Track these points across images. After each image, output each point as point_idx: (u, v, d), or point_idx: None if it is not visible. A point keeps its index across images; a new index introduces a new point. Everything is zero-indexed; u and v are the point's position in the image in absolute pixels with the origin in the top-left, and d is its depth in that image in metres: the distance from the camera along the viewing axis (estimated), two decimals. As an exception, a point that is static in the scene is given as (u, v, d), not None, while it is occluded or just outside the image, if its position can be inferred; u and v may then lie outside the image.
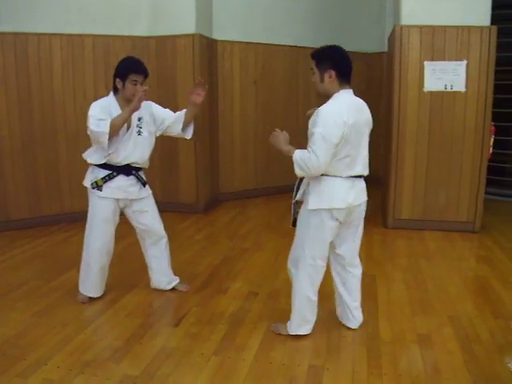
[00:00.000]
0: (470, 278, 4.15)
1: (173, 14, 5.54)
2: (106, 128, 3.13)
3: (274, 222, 4.18)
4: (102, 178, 3.30)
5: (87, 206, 5.50)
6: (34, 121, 5.15)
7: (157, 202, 5.88)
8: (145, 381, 2.56)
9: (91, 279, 3.46)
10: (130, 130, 3.30)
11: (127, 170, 3.35)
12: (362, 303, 3.17)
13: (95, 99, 5.29)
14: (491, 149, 5.07)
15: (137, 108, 3.16)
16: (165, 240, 3.64)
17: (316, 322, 3.07)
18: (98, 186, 3.30)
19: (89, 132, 3.24)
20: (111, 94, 3.34)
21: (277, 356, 2.80)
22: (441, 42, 4.87)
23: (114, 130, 3.16)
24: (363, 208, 3.01)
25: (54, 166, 5.33)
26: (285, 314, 3.31)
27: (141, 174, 3.47)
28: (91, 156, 3.35)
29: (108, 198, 3.34)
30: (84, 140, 5.42)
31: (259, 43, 6.45)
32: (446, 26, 4.84)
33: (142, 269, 4.06)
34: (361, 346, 2.93)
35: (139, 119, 3.33)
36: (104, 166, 3.31)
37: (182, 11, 5.49)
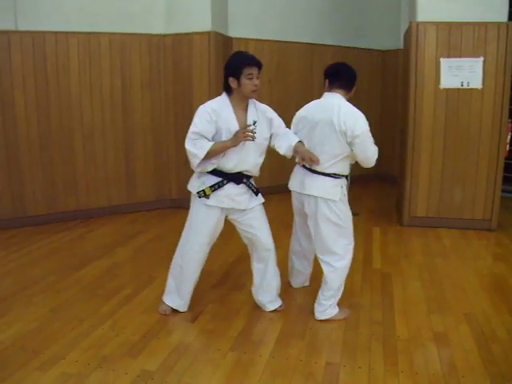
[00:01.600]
0: (486, 276, 4.12)
1: (188, 12, 5.56)
2: (201, 153, 2.90)
3: (289, 218, 4.15)
4: (211, 187, 3.01)
5: (102, 201, 5.65)
6: (52, 119, 5.20)
7: (172, 200, 5.98)
8: (162, 376, 2.58)
9: (183, 291, 3.23)
10: None
11: (238, 177, 3.05)
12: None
13: (111, 98, 5.47)
14: (508, 146, 5.02)
15: (236, 145, 2.94)
16: (271, 254, 3.26)
17: (333, 320, 3.11)
18: (205, 194, 3.02)
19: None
20: (224, 94, 3.06)
21: (293, 352, 2.81)
22: (457, 38, 4.83)
23: (210, 157, 2.95)
24: (313, 202, 3.14)
25: (70, 163, 5.38)
26: (301, 310, 3.34)
27: (252, 181, 3.17)
28: (199, 165, 3.01)
29: (214, 207, 3.07)
30: (100, 138, 5.53)
31: (274, 41, 6.45)
32: (462, 23, 4.80)
33: (159, 264, 4.11)
34: (377, 343, 2.92)
35: (254, 123, 2.95)
36: (213, 172, 3.03)
37: (198, 8, 5.50)
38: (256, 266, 3.30)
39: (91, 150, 5.48)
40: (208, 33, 5.51)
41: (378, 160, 3.19)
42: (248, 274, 3.51)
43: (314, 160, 3.05)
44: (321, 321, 3.17)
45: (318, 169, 3.10)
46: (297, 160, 3.25)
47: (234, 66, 2.96)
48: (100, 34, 5.33)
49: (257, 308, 3.36)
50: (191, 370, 2.64)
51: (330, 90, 3.20)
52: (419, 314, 3.30)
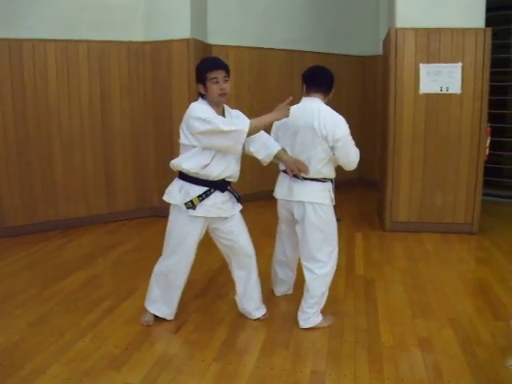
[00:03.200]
0: (469, 280, 4.14)
1: (167, 19, 5.52)
2: (245, 126, 2.79)
3: (271, 227, 4.13)
4: (199, 197, 2.92)
5: (82, 211, 5.57)
6: (29, 127, 5.12)
7: (153, 208, 5.92)
8: (145, 389, 2.54)
9: (171, 300, 3.18)
10: None
11: (223, 185, 3.00)
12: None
13: (90, 105, 5.41)
14: (487, 150, 5.07)
15: (279, 118, 2.97)
16: (253, 260, 3.22)
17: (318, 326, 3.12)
18: (193, 205, 2.93)
19: (203, 134, 2.84)
20: (200, 99, 2.99)
21: (278, 361, 2.77)
22: (436, 44, 4.88)
23: (252, 134, 2.88)
24: (302, 208, 3.12)
25: (49, 172, 5.29)
26: (285, 319, 3.31)
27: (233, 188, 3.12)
28: (187, 164, 2.93)
29: (199, 217, 2.99)
30: (78, 146, 5.45)
31: (254, 47, 6.44)
32: (440, 29, 4.84)
33: (140, 275, 4.05)
34: (362, 350, 2.91)
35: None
36: (196, 181, 2.95)
37: (177, 16, 5.47)
38: (238, 274, 3.25)
39: (70, 159, 5.40)
40: (187, 40, 5.48)
41: (358, 165, 3.20)
42: (231, 283, 3.47)
43: (302, 170, 3.05)
44: (305, 329, 3.14)
45: (304, 175, 3.09)
46: (281, 167, 3.24)
47: (199, 72, 2.94)
48: (78, 41, 5.26)
49: (240, 317, 3.32)
50: (175, 382, 2.60)
51: (307, 94, 3.19)
52: (403, 319, 3.30)
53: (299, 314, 3.18)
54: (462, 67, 4.86)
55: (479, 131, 4.96)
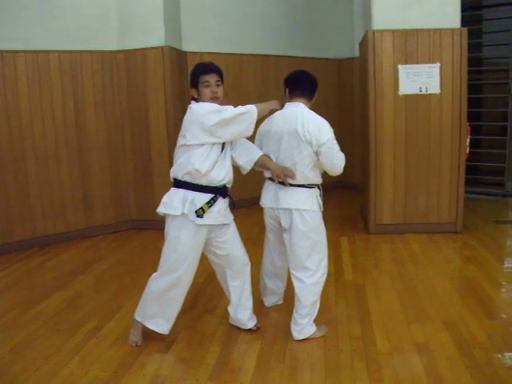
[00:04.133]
0: (459, 280, 4.12)
1: (141, 27, 5.41)
2: (252, 107, 2.80)
3: (256, 234, 4.07)
4: (208, 203, 2.86)
5: (59, 227, 5.40)
6: (2, 142, 4.93)
7: (132, 221, 5.78)
8: (138, 414, 2.42)
9: (172, 314, 3.04)
10: (225, 145, 2.94)
11: (225, 190, 2.96)
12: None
13: (64, 118, 5.25)
14: (468, 149, 5.08)
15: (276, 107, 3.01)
16: (248, 268, 3.18)
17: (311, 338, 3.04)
18: (203, 213, 2.84)
19: (219, 125, 2.77)
20: (193, 102, 2.97)
21: (275, 376, 2.68)
22: (413, 45, 4.87)
23: (260, 116, 2.86)
24: (289, 215, 3.07)
25: (24, 188, 5.11)
26: (278, 330, 3.22)
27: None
28: (201, 164, 2.82)
29: (205, 226, 2.91)
30: (53, 160, 5.28)
31: (229, 53, 6.36)
32: (417, 29, 4.84)
33: (124, 292, 3.93)
34: (359, 359, 2.83)
35: None
36: (200, 188, 2.87)
37: (151, 24, 5.36)
38: (233, 284, 3.16)
39: (45, 174, 5.23)
40: (162, 48, 5.38)
41: None
42: (218, 295, 3.39)
43: (289, 175, 2.98)
44: (299, 341, 3.05)
45: (290, 181, 3.01)
46: (266, 175, 3.17)
47: (192, 76, 2.95)
48: (49, 52, 5.11)
49: (231, 330, 3.23)
50: (169, 404, 2.48)
51: (290, 99, 3.14)
52: (398, 324, 3.24)
53: (292, 325, 3.10)
54: (440, 67, 4.86)
55: (459, 130, 4.96)
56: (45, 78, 5.12)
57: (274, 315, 3.46)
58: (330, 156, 2.99)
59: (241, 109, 2.82)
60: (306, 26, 7.29)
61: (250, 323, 3.21)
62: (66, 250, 5.11)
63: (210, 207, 2.86)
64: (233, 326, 3.27)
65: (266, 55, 6.76)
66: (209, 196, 2.87)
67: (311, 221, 3.04)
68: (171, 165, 5.53)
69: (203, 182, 2.86)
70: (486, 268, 4.21)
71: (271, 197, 3.14)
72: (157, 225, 5.69)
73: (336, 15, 7.52)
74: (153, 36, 5.35)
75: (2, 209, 4.99)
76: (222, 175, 2.90)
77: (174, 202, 2.89)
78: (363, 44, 5.38)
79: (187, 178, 2.87)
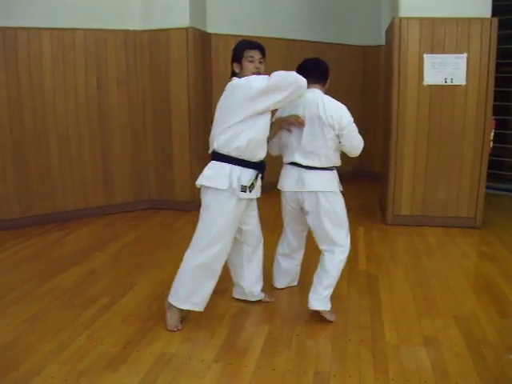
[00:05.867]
0: (474, 276, 4.07)
1: (166, 7, 5.40)
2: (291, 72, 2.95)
3: (272, 218, 4.06)
4: (256, 179, 2.99)
5: (79, 203, 5.47)
6: (25, 118, 5.00)
7: (151, 201, 5.83)
8: (143, 390, 2.46)
9: (207, 290, 3.07)
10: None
11: (263, 165, 3.08)
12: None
13: (86, 95, 5.29)
14: (492, 143, 4.98)
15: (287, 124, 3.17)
16: (262, 243, 3.34)
17: (320, 324, 3.04)
18: (253, 187, 2.97)
19: (269, 89, 2.84)
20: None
21: (280, 362, 2.70)
22: (440, 34, 4.76)
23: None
24: (315, 198, 3.16)
25: (45, 164, 5.18)
26: (286, 315, 3.24)
27: None
28: (249, 134, 2.90)
29: (245, 200, 3.01)
30: (75, 137, 5.34)
31: (254, 36, 6.27)
32: (445, 18, 4.73)
33: (138, 269, 3.99)
34: (366, 349, 2.83)
35: None
36: (245, 163, 2.95)
37: (176, 4, 5.34)
38: (245, 260, 3.29)
39: (67, 150, 5.29)
40: (186, 29, 5.37)
41: (359, 156, 3.31)
42: (229, 278, 3.40)
43: (300, 121, 3.11)
44: (307, 327, 3.07)
45: (315, 165, 3.14)
46: (285, 161, 3.25)
47: (236, 51, 3.03)
48: (74, 29, 5.14)
49: (240, 314, 3.26)
50: (174, 383, 2.51)
51: (309, 85, 3.15)
52: (408, 317, 3.22)
53: (311, 294, 3.15)
54: (467, 58, 4.75)
55: (484, 123, 4.86)
56: (69, 55, 5.16)
57: (284, 300, 3.48)
58: (351, 138, 3.14)
59: (281, 72, 2.90)
60: (332, 11, 7.20)
61: (262, 296, 3.39)
62: (85, 227, 5.18)
63: (256, 182, 3.00)
64: (242, 309, 3.31)
65: (290, 40, 6.70)
66: (254, 171, 2.98)
67: (335, 200, 3.18)
68: (191, 146, 5.66)
69: (248, 157, 2.95)
70: (503, 265, 4.15)
71: (294, 181, 3.21)
72: (175, 205, 5.78)
73: (363, 1, 7.39)
74: (177, 17, 5.34)
75: (22, 183, 5.08)
76: (263, 151, 3.04)
77: (219, 176, 2.94)
78: (389, 31, 5.29)
79: (233, 153, 2.92)
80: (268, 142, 3.14)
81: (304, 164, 3.15)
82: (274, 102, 2.90)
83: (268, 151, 3.23)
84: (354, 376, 2.58)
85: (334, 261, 3.17)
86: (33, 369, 2.61)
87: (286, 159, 3.27)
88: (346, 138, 3.12)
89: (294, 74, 2.92)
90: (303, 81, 2.91)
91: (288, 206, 3.34)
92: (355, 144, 3.18)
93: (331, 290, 3.16)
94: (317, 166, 3.15)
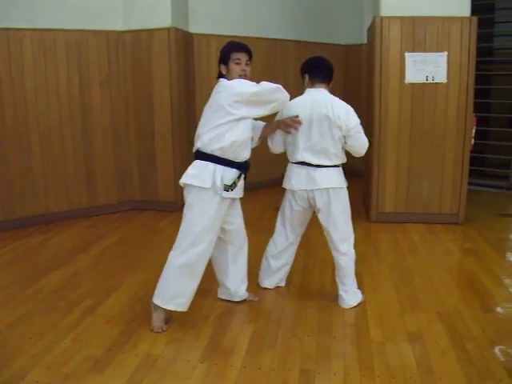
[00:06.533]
0: (457, 272, 4.11)
1: (148, 8, 5.38)
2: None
3: (255, 217, 4.08)
4: (238, 178, 2.98)
5: (62, 205, 5.42)
6: (6, 119, 4.95)
7: (134, 201, 5.80)
8: (129, 392, 2.44)
9: (190, 290, 3.04)
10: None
11: (248, 166, 3.09)
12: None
13: (69, 96, 5.25)
14: (473, 140, 5.03)
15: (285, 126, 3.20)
16: (247, 244, 3.35)
17: (306, 322, 3.03)
18: (235, 186, 2.97)
19: (257, 94, 2.89)
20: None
21: (266, 361, 2.70)
22: (421, 33, 4.81)
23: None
24: (326, 195, 3.23)
25: (27, 165, 5.13)
26: (271, 315, 3.24)
27: None
28: (233, 136, 2.92)
29: (228, 199, 3.03)
30: (57, 139, 5.29)
31: (236, 36, 6.29)
32: (426, 17, 4.78)
33: (122, 271, 3.96)
34: (352, 347, 2.85)
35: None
36: (228, 162, 2.96)
37: (158, 4, 5.33)
38: (230, 260, 3.28)
39: (49, 152, 5.24)
40: (168, 29, 5.35)
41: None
42: (213, 278, 3.39)
43: (296, 120, 3.15)
44: (292, 326, 3.08)
45: (325, 163, 3.19)
46: (293, 160, 3.28)
47: (223, 53, 3.04)
48: (55, 30, 5.09)
49: (225, 313, 3.26)
50: (160, 384, 2.51)
51: (312, 85, 3.26)
52: (392, 314, 3.25)
53: (343, 295, 3.30)
54: (448, 56, 4.81)
55: (465, 121, 4.92)
56: (50, 56, 5.11)
57: (270, 299, 3.48)
58: (358, 138, 3.21)
59: (274, 85, 2.96)
60: (314, 10, 7.22)
61: (247, 295, 3.40)
62: (68, 229, 5.14)
63: (239, 182, 3.00)
64: (226, 309, 3.31)
65: (273, 39, 6.72)
66: (237, 171, 2.99)
67: (343, 196, 3.28)
68: (174, 146, 5.63)
69: (231, 157, 2.95)
70: (486, 261, 4.20)
71: (303, 179, 3.24)
72: (158, 205, 5.76)
73: (346, 0, 7.43)
74: (159, 17, 5.32)
75: (4, 186, 5.02)
76: (247, 152, 3.05)
77: (203, 175, 2.94)
78: (371, 30, 5.33)
79: (217, 153, 2.93)
80: (260, 142, 3.22)
81: (314, 163, 3.19)
82: (255, 115, 3.00)
83: (270, 148, 3.34)
84: (339, 373, 2.59)
85: (350, 261, 3.29)
86: (17, 373, 2.58)
87: (294, 158, 3.28)
88: (353, 138, 3.19)
89: (280, 88, 2.96)
90: (287, 97, 3.01)
91: (296, 206, 3.35)
92: (362, 144, 3.25)
93: (355, 283, 3.34)
94: (327, 164, 3.20)
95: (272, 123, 3.27)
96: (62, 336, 2.96)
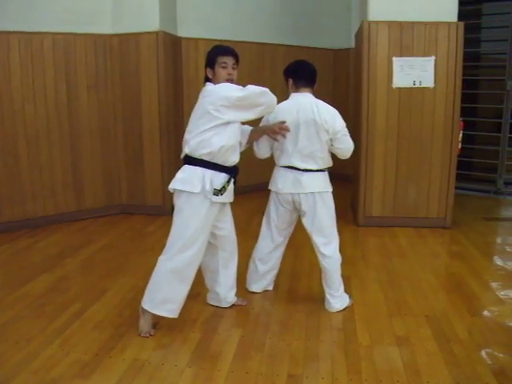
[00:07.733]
0: (444, 276, 4.14)
1: (136, 11, 5.37)
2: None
3: (244, 221, 4.07)
4: (227, 182, 2.96)
5: (49, 210, 5.38)
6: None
7: (122, 205, 5.78)
8: (116, 398, 2.43)
9: (181, 295, 3.02)
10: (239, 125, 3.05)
11: (236, 170, 3.07)
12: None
13: (56, 100, 5.22)
14: (460, 144, 5.07)
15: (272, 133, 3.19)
16: (236, 248, 3.33)
17: (293, 327, 3.03)
18: (224, 191, 2.94)
19: (243, 99, 2.87)
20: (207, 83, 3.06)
21: (253, 365, 2.69)
22: (409, 37, 4.85)
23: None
24: (312, 199, 3.25)
25: (14, 170, 5.09)
26: (259, 319, 3.24)
27: None
28: (220, 140, 2.89)
29: (218, 204, 3.00)
30: (45, 143, 5.26)
31: (225, 40, 6.31)
32: (413, 22, 4.82)
33: (110, 276, 3.94)
34: (339, 350, 2.85)
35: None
36: (217, 167, 2.94)
37: (146, 8, 5.32)
38: (221, 265, 3.26)
39: (36, 156, 5.21)
40: (156, 33, 5.34)
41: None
42: (201, 282, 3.39)
43: (283, 127, 3.15)
44: (280, 330, 3.08)
45: (312, 168, 3.21)
46: (281, 164, 3.29)
47: (209, 57, 3.03)
48: (43, 33, 5.07)
49: (213, 318, 3.25)
50: (147, 389, 2.50)
51: (297, 89, 3.27)
52: (380, 317, 3.26)
53: (329, 298, 3.31)
54: (435, 61, 4.85)
55: (452, 125, 4.96)
56: (38, 59, 5.07)
57: (257, 304, 3.48)
58: (344, 141, 3.26)
59: (260, 88, 2.95)
60: (303, 14, 7.24)
61: (235, 300, 3.40)
62: (55, 233, 5.10)
63: (228, 186, 2.98)
64: (214, 313, 3.30)
65: (261, 43, 6.73)
66: (226, 175, 2.97)
67: (329, 200, 3.30)
68: (162, 150, 5.62)
69: (220, 161, 2.94)
70: (473, 264, 4.23)
71: (290, 183, 3.26)
72: (146, 210, 5.74)
73: (333, 4, 7.47)
74: (147, 20, 5.31)
75: (-9, 190, 4.98)
76: (236, 156, 3.04)
77: (192, 180, 2.92)
78: (358, 35, 5.36)
79: (205, 157, 2.91)
80: (247, 146, 3.24)
81: (302, 168, 3.21)
82: (242, 119, 2.98)
83: (256, 153, 3.34)
84: (327, 377, 2.59)
85: (335, 263, 3.31)
86: (3, 379, 2.55)
87: (281, 163, 3.29)
88: (339, 141, 3.22)
89: (266, 92, 2.95)
90: (274, 100, 3.00)
91: (281, 208, 3.37)
92: (348, 147, 3.29)
93: (342, 287, 3.35)
94: (314, 168, 3.22)
95: (258, 129, 3.27)
96: (49, 341, 2.94)
